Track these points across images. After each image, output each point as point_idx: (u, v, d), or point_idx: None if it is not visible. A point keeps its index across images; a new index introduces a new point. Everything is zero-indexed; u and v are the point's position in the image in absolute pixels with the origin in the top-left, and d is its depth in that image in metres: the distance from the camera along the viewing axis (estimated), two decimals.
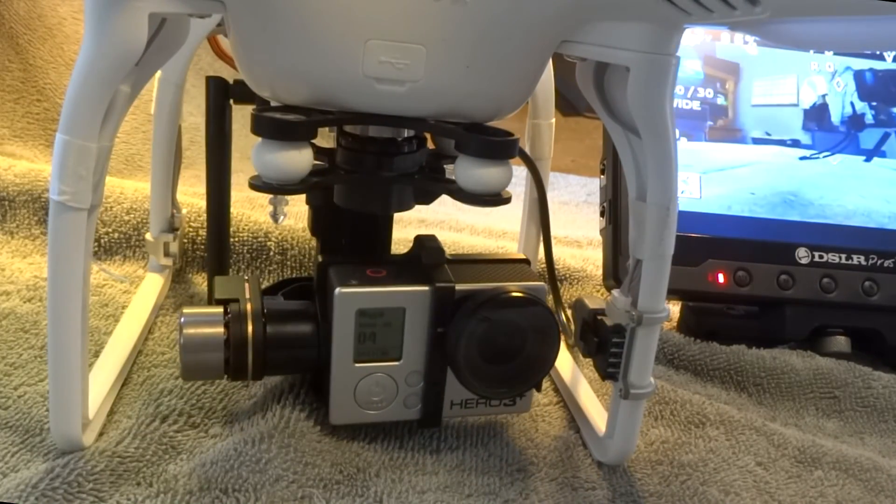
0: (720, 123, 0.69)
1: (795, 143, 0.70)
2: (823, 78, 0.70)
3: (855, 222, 0.68)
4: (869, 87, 0.71)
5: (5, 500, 0.38)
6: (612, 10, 0.38)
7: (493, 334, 0.45)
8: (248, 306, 0.45)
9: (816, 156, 0.69)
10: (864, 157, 0.70)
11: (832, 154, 0.70)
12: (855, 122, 0.71)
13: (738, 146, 0.69)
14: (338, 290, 0.43)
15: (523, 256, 0.50)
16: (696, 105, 0.69)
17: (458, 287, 0.44)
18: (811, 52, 0.71)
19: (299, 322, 0.46)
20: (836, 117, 0.70)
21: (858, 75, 0.71)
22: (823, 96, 0.70)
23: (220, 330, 0.44)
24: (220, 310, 0.45)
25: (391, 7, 0.37)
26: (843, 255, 0.67)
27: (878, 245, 0.68)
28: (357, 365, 0.45)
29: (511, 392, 0.47)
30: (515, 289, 0.45)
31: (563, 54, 0.41)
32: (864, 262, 0.67)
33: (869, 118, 0.71)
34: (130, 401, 0.48)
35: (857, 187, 0.69)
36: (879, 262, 0.67)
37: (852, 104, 0.70)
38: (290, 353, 0.46)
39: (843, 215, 0.68)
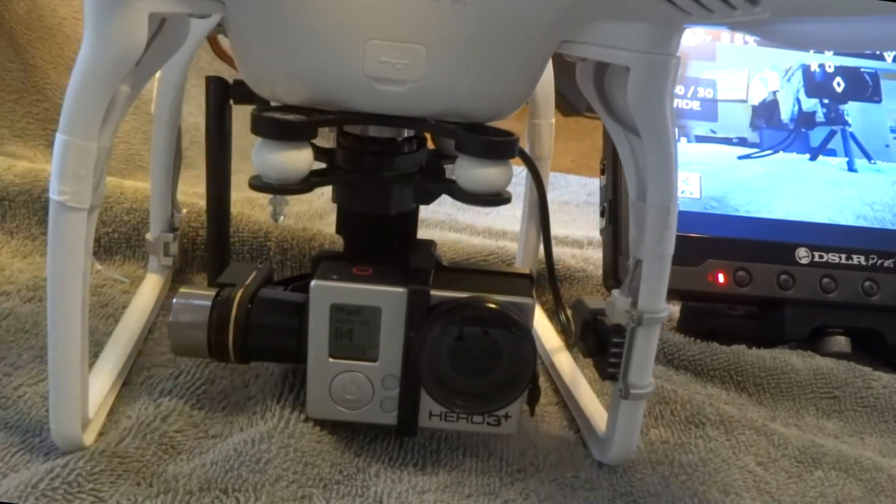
0: None
1: (742, 142, 0.67)
2: (777, 74, 0.68)
3: (806, 220, 0.67)
4: (817, 83, 0.69)
5: (5, 500, 0.38)
6: (612, 10, 0.38)
7: (463, 345, 0.43)
8: (240, 292, 0.46)
9: (758, 154, 0.67)
10: (809, 156, 0.69)
11: (776, 152, 0.68)
12: (804, 119, 0.69)
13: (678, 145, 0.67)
14: (314, 282, 0.43)
15: (528, 272, 0.48)
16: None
17: (434, 293, 0.44)
18: (811, 51, 0.71)
19: (286, 312, 0.47)
20: (785, 115, 0.69)
21: (807, 72, 0.69)
22: (774, 93, 0.68)
23: (207, 311, 0.46)
24: (213, 292, 0.46)
25: (391, 7, 0.37)
26: (843, 255, 0.67)
27: (878, 245, 0.68)
28: (332, 360, 0.45)
29: (476, 408, 0.45)
30: (492, 301, 0.43)
31: (563, 54, 0.41)
32: (864, 262, 0.67)
33: (820, 116, 0.69)
34: (130, 401, 0.48)
35: (793, 190, 0.67)
36: (879, 262, 0.67)
37: (798, 101, 0.69)
38: (270, 340, 0.47)
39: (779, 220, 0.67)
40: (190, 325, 0.46)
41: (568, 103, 1.47)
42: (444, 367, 0.44)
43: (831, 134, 0.69)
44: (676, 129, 0.65)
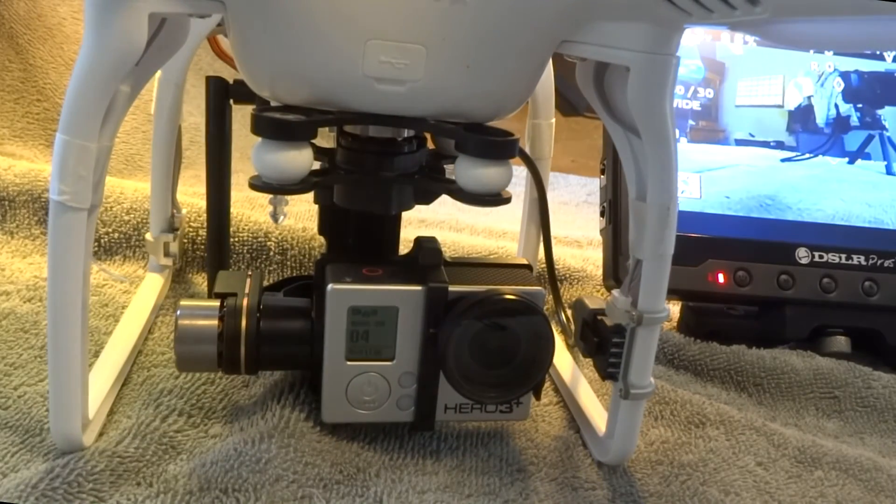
0: (702, 124, 0.69)
1: (779, 145, 0.69)
2: (810, 79, 0.70)
3: (853, 223, 0.68)
4: (854, 88, 0.70)
5: (5, 500, 0.38)
6: (612, 10, 0.38)
7: (484, 337, 0.44)
8: (245, 301, 0.46)
9: (799, 158, 0.69)
10: (847, 160, 0.70)
11: (815, 156, 0.69)
12: (840, 124, 0.70)
13: (720, 147, 0.68)
14: (330, 286, 0.43)
15: (525, 261, 0.49)
16: (695, 105, 0.68)
17: (452, 288, 0.44)
18: (811, 52, 0.71)
19: (294, 318, 0.47)
20: (821, 119, 0.70)
21: (844, 77, 0.70)
22: (809, 98, 0.70)
23: (215, 323, 0.45)
24: (217, 303, 0.46)
25: (391, 7, 0.37)
26: (843, 255, 0.67)
27: (878, 245, 0.68)
28: (349, 363, 0.45)
29: (502, 397, 0.46)
30: (510, 292, 0.44)
31: (563, 54, 0.41)
32: (864, 262, 0.67)
33: (854, 120, 0.70)
34: (130, 401, 0.48)
35: (837, 190, 0.69)
36: (879, 262, 0.67)
37: (836, 106, 0.70)
38: (283, 348, 0.47)
39: (823, 219, 0.68)
40: (198, 338, 0.45)
41: (568, 103, 1.47)
42: (468, 361, 0.44)
43: (869, 138, 0.70)
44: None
